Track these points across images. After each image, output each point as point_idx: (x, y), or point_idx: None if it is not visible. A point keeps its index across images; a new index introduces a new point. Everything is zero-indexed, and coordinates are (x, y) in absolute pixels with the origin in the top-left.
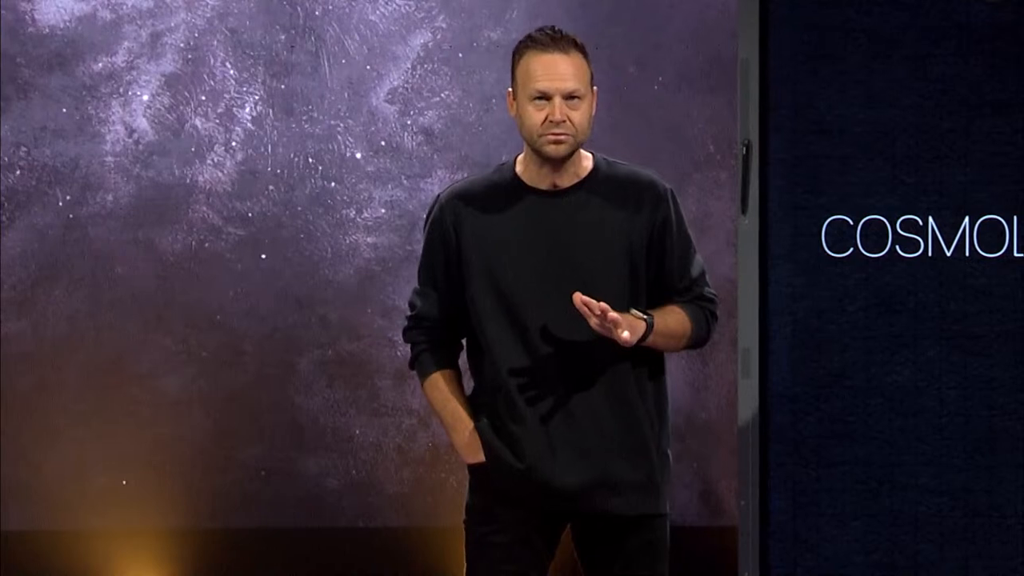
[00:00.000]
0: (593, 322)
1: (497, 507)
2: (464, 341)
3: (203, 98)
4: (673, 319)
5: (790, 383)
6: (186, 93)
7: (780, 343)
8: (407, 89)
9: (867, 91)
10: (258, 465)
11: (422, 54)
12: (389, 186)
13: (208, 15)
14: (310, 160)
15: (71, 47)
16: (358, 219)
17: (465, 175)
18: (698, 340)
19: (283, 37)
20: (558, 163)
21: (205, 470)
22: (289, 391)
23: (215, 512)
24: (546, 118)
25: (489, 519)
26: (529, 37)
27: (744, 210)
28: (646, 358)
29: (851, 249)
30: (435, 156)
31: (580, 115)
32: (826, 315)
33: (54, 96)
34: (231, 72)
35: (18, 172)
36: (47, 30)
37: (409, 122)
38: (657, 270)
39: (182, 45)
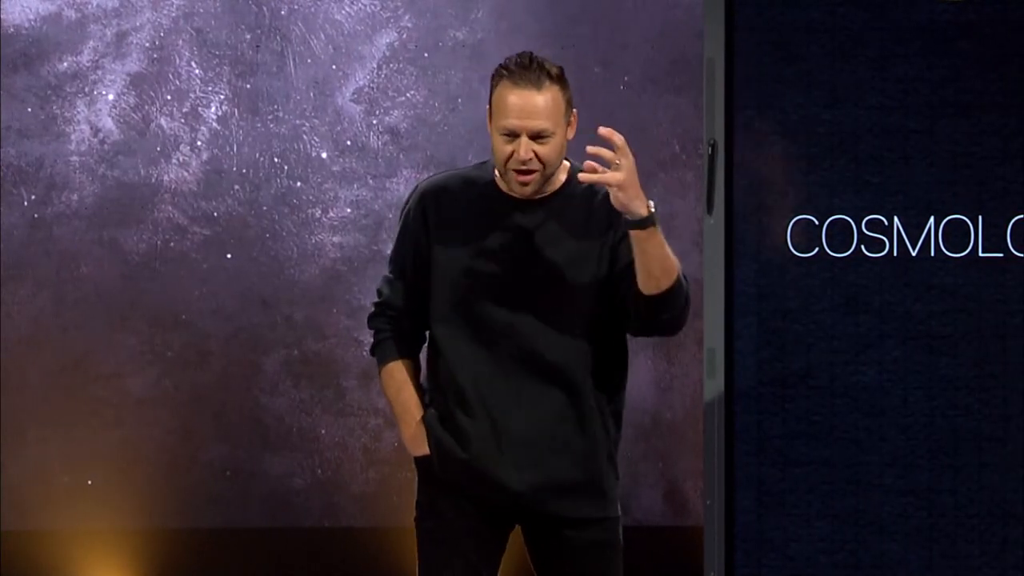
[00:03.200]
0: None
1: (442, 501)
2: (427, 333)
3: (168, 98)
4: (666, 248)
5: (755, 383)
6: (151, 93)
7: (745, 343)
8: (373, 89)
9: (832, 91)
10: (223, 465)
11: (388, 54)
12: (355, 186)
13: (173, 15)
14: (276, 160)
15: (36, 46)
16: (324, 219)
17: (430, 175)
18: (680, 298)
19: (248, 37)
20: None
21: (170, 470)
22: (254, 391)
23: (180, 512)
24: (511, 154)
25: (435, 514)
26: (504, 66)
27: (709, 210)
28: (608, 361)
29: (816, 249)
30: (401, 156)
31: (548, 150)
32: (791, 315)
33: (19, 95)
34: (196, 72)
35: None
36: (12, 29)
37: (375, 122)
38: (626, 274)
39: (147, 44)
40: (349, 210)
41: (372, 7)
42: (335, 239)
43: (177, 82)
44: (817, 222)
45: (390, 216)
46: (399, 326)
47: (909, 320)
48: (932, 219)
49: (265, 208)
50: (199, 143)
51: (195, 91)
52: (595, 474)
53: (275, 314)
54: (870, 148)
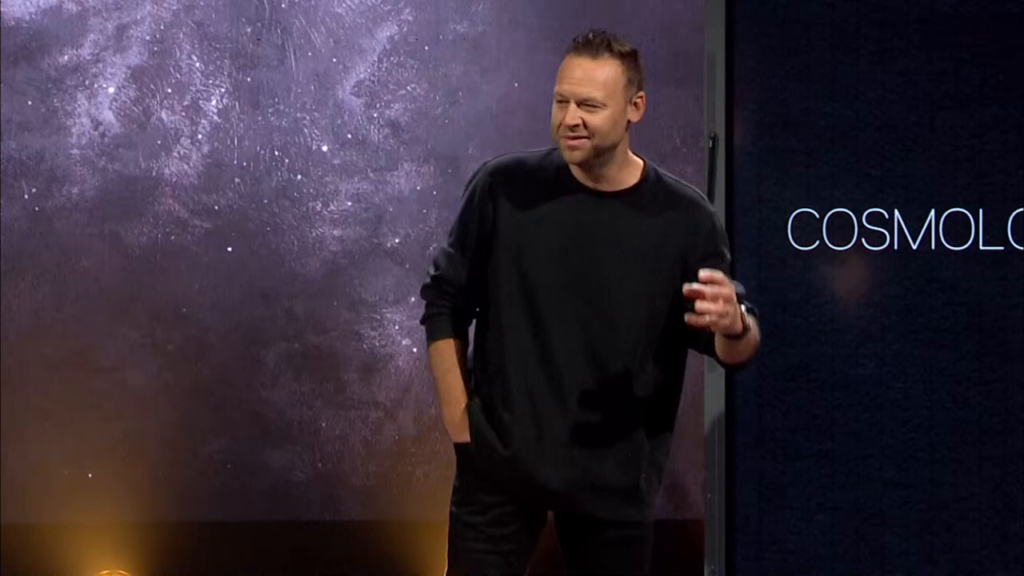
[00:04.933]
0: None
1: (478, 491)
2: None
3: (169, 91)
4: (755, 329)
5: (756, 376)
6: (152, 86)
7: None
8: (373, 82)
9: (832, 85)
10: (224, 458)
11: (388, 47)
12: (355, 179)
13: (174, 8)
14: (276, 153)
15: (36, 40)
16: (324, 212)
17: (431, 168)
18: (753, 359)
19: (249, 30)
20: (593, 166)
21: (170, 463)
22: (255, 384)
23: (181, 505)
24: (562, 120)
25: (470, 501)
26: (574, 38)
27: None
28: (664, 369)
29: (817, 242)
30: (401, 149)
31: (598, 120)
32: (792, 308)
33: (19, 89)
34: (197, 65)
35: None
36: (12, 22)
37: (375, 115)
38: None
39: (148, 38)
40: (350, 203)
41: (372, 0)
42: (336, 232)
43: (178, 75)
44: (818, 215)
45: (391, 209)
46: (455, 303)
47: (909, 313)
48: (932, 212)
49: (266, 201)
50: (200, 136)
51: (196, 84)
52: (636, 479)
53: (276, 307)
54: (870, 141)
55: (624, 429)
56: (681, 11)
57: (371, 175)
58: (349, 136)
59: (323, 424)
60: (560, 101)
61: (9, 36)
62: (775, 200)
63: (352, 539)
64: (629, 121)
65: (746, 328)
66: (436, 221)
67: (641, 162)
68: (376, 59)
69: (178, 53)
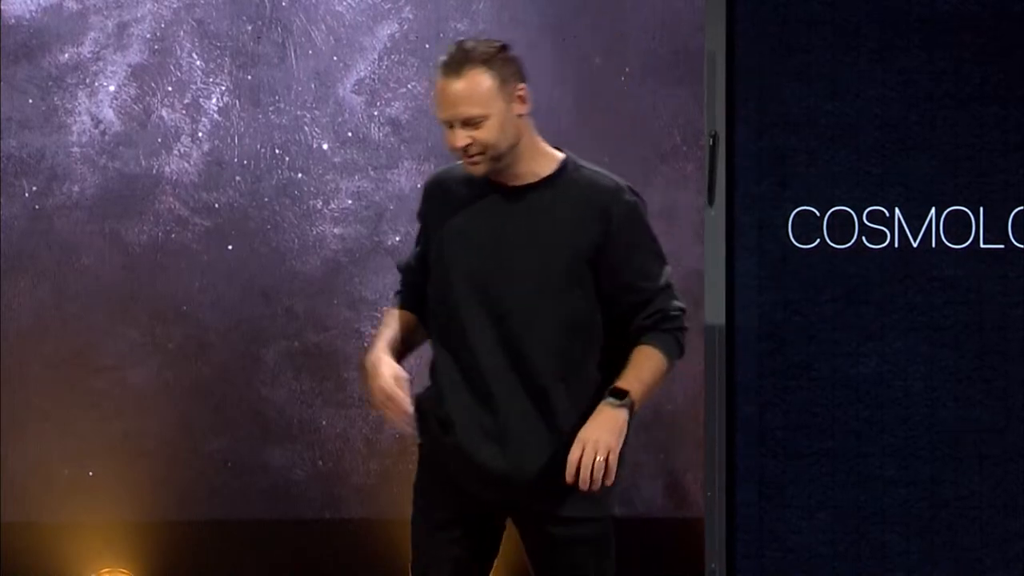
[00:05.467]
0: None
1: (434, 484)
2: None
3: (169, 89)
4: (649, 368)
5: (756, 375)
6: (152, 84)
7: (746, 334)
8: (374, 80)
9: (833, 83)
10: (224, 457)
11: (389, 45)
12: (356, 177)
13: (174, 6)
14: (277, 151)
15: (37, 38)
16: (325, 210)
17: (432, 166)
18: (672, 366)
19: (250, 28)
20: (500, 168)
21: (171, 462)
22: (255, 383)
23: (181, 504)
24: (453, 144)
25: (426, 492)
26: (440, 59)
27: (711, 202)
28: (599, 356)
29: (818, 240)
30: (402, 147)
31: (485, 133)
32: (792, 306)
33: (20, 87)
34: (197, 63)
35: None
36: (13, 20)
37: (376, 113)
38: (611, 281)
39: (148, 36)
40: (350, 201)
41: None
42: (336, 230)
43: (178, 73)
44: (818, 213)
45: (391, 207)
46: (411, 279)
47: (910, 312)
48: (933, 211)
49: (266, 199)
50: (200, 134)
51: (196, 82)
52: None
53: (276, 306)
54: (871, 140)
55: (562, 423)
56: (681, 9)
57: (372, 173)
58: (350, 134)
59: (323, 422)
60: (445, 124)
61: (10, 34)
62: (775, 198)
63: (353, 537)
64: (520, 115)
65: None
66: None
67: (559, 154)
68: (377, 57)
69: (178, 51)
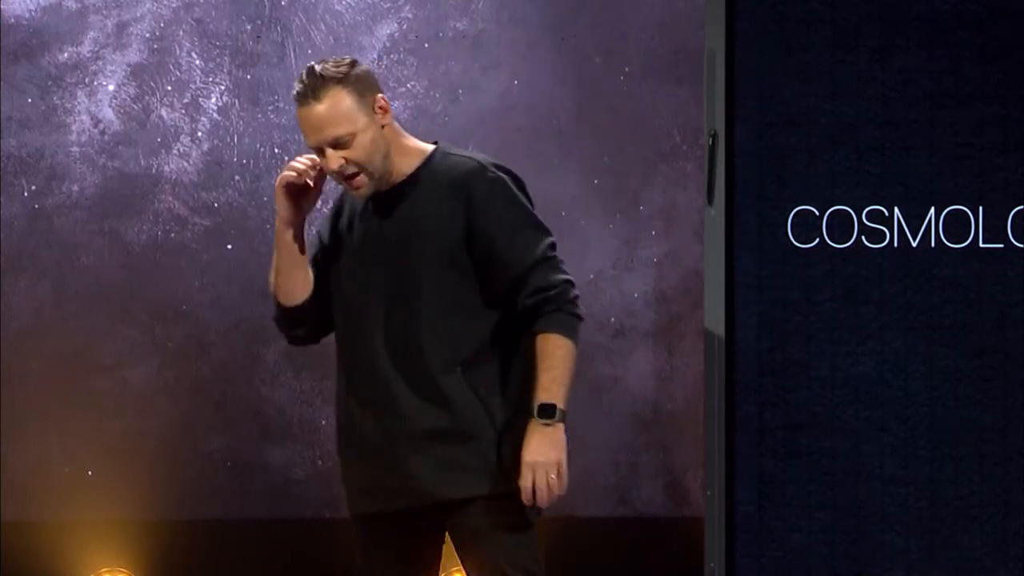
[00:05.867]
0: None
1: (356, 496)
2: None
3: (169, 88)
4: (561, 363)
5: (756, 374)
6: (152, 83)
7: (746, 334)
8: None
9: (832, 82)
10: (224, 456)
11: (388, 44)
12: None
13: (174, 5)
14: (276, 150)
15: (36, 37)
16: (324, 210)
17: None
18: (578, 342)
19: (249, 27)
20: (387, 171)
21: (171, 461)
22: (255, 382)
23: (181, 503)
24: (329, 169)
25: (350, 507)
26: (294, 89)
27: (710, 201)
28: (484, 338)
29: (817, 240)
30: None
31: (357, 152)
32: (792, 306)
33: (19, 86)
34: (197, 62)
35: None
36: (12, 20)
37: None
38: (484, 260)
39: (148, 35)
40: None
41: None
42: None
43: (177, 73)
44: (818, 213)
45: None
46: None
47: (910, 311)
48: (932, 210)
49: (266, 199)
50: (200, 134)
51: (196, 82)
52: (472, 453)
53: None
54: (870, 139)
55: (451, 409)
56: (681, 8)
57: None
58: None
59: (323, 422)
60: (317, 153)
61: (9, 34)
62: (775, 198)
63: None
64: (384, 126)
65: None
66: None
67: (427, 147)
68: (376, 56)
69: (178, 51)
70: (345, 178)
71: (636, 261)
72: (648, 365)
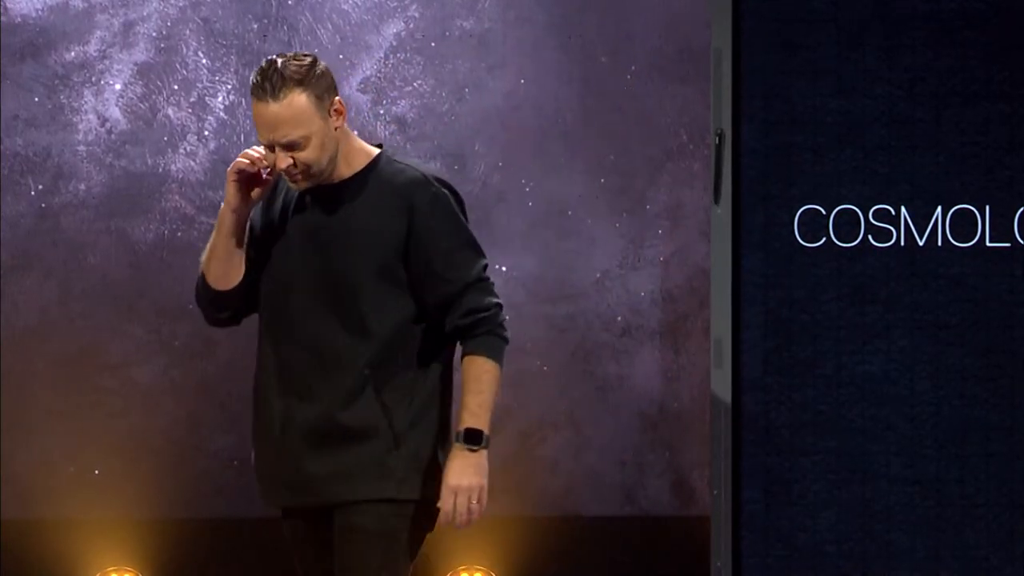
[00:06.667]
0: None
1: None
2: None
3: (176, 87)
4: (487, 387)
5: (762, 372)
6: (159, 82)
7: (752, 332)
8: (380, 79)
9: (838, 81)
10: (230, 455)
11: (395, 43)
12: None
13: (180, 4)
14: None
15: (43, 36)
16: None
17: (438, 165)
18: (502, 366)
19: (256, 26)
20: (329, 171)
21: (177, 460)
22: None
23: (187, 501)
24: (275, 165)
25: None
26: (252, 78)
27: (717, 200)
28: (406, 347)
29: (824, 239)
30: (408, 146)
31: (307, 154)
32: (798, 304)
33: (26, 85)
34: (204, 61)
35: None
36: (19, 19)
37: (382, 111)
38: (419, 273)
39: (155, 34)
40: None
41: None
42: None
43: (184, 72)
44: (824, 212)
45: None
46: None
47: (916, 310)
48: (939, 209)
49: None
50: (206, 133)
51: (202, 81)
52: (377, 454)
53: None
54: (877, 138)
55: (356, 410)
56: (687, 7)
57: None
58: (355, 133)
59: None
60: (267, 148)
61: (16, 32)
62: (782, 197)
63: None
64: (336, 128)
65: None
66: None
67: (373, 151)
68: (382, 56)
69: (184, 50)
70: (290, 176)
71: (642, 260)
72: (654, 364)
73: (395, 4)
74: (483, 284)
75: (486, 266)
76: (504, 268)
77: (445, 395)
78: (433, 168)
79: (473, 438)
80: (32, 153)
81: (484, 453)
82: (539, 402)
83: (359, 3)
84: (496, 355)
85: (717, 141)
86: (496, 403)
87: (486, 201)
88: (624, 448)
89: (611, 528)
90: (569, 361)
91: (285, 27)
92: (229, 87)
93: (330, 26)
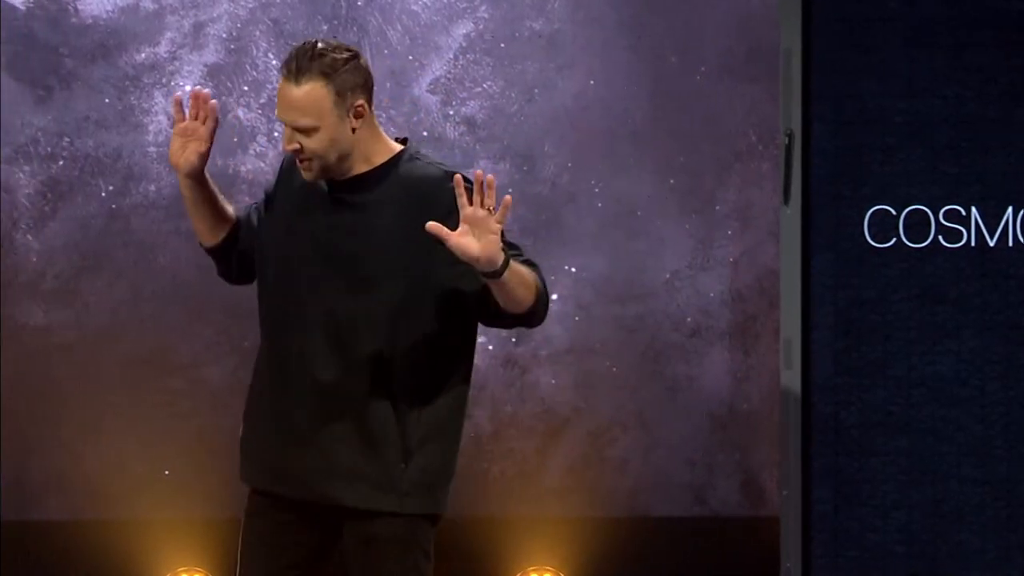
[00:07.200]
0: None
1: (254, 496)
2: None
3: (245, 88)
4: (522, 271)
5: (832, 373)
6: (228, 83)
7: (822, 333)
8: (449, 79)
9: (908, 81)
10: None
11: (464, 44)
12: None
13: (250, 5)
14: None
15: (114, 37)
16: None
17: (507, 166)
18: (541, 305)
19: (325, 27)
20: (332, 169)
21: None
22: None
23: None
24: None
25: (249, 502)
26: (288, 53)
27: (786, 200)
28: (423, 354)
29: (894, 239)
30: (477, 146)
31: (314, 143)
32: (868, 305)
33: (97, 86)
34: (273, 62)
35: (61, 163)
36: (90, 20)
37: (451, 112)
38: (452, 267)
39: (224, 35)
40: None
41: None
42: None
43: (254, 73)
44: (894, 212)
45: None
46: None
47: (986, 310)
48: (1010, 209)
49: None
50: (276, 134)
51: (272, 82)
52: (383, 465)
53: None
54: (947, 138)
55: (372, 416)
56: (757, 7)
57: None
58: (425, 133)
59: None
60: (284, 123)
61: (86, 34)
62: (851, 197)
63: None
64: (355, 129)
65: (506, 262)
66: (512, 219)
67: (396, 147)
68: (452, 56)
69: (254, 51)
70: (298, 159)
71: (712, 261)
72: (724, 364)
73: (465, 5)
74: (517, 253)
75: (517, 247)
76: (573, 269)
77: (461, 411)
78: (451, 166)
79: (493, 272)
80: (103, 154)
81: (502, 252)
82: (608, 403)
83: (429, 4)
84: (540, 281)
85: (787, 141)
86: (519, 283)
87: (555, 202)
88: (693, 448)
89: (680, 529)
90: (638, 362)
91: (355, 28)
92: None
93: (400, 27)
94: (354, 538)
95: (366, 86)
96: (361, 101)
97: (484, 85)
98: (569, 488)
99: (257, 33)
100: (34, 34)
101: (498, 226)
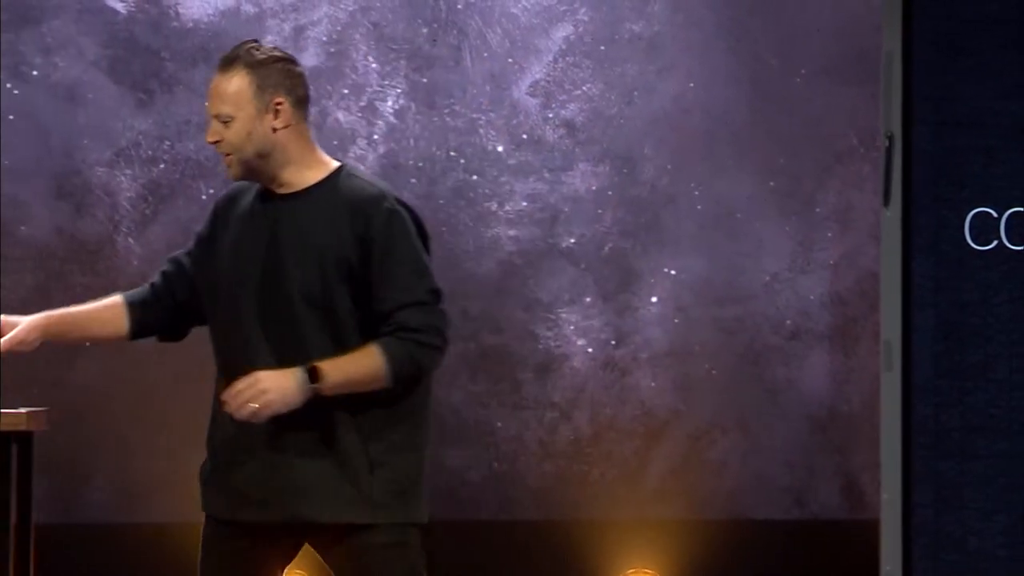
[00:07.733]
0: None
1: (211, 521)
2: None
3: (345, 91)
4: (361, 364)
5: (933, 376)
6: (328, 87)
7: (923, 336)
8: (549, 82)
9: (1010, 82)
10: None
11: (564, 47)
12: (531, 179)
13: (351, 9)
14: (452, 153)
15: (215, 41)
16: (500, 212)
17: (607, 168)
18: (403, 376)
19: (425, 31)
20: (264, 174)
21: None
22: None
23: None
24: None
25: (208, 524)
26: None
27: (887, 202)
28: None
29: (995, 242)
30: (577, 149)
31: (230, 133)
32: (969, 308)
33: (198, 90)
34: (373, 66)
35: (162, 166)
36: (191, 24)
37: (551, 115)
38: (364, 288)
39: (324, 39)
40: (525, 203)
41: (548, 1)
42: (511, 232)
43: (354, 76)
44: (996, 214)
45: (566, 210)
46: (163, 282)
47: None
48: None
49: (441, 202)
50: (376, 137)
51: (372, 85)
52: (350, 478)
53: (451, 307)
54: None
55: (324, 430)
56: (857, 9)
57: (546, 175)
58: (524, 136)
59: (498, 424)
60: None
61: (187, 38)
62: (952, 199)
63: (527, 539)
64: (275, 129)
65: (320, 387)
66: (611, 221)
67: (333, 163)
68: (552, 59)
69: (354, 54)
70: (222, 154)
71: (812, 263)
72: (823, 367)
73: (564, 8)
74: (422, 308)
75: (434, 291)
76: (673, 271)
77: (425, 419)
78: (389, 187)
79: (312, 375)
80: (203, 158)
81: (301, 391)
82: (707, 405)
83: (528, 7)
84: (391, 353)
85: (887, 143)
86: (353, 388)
87: (655, 204)
88: (793, 451)
89: (779, 531)
90: (738, 364)
91: (455, 31)
92: (399, 91)
93: (499, 30)
94: (341, 555)
95: (293, 91)
96: (281, 99)
97: (584, 88)
98: (668, 490)
99: (357, 36)
100: (135, 38)
101: (255, 396)
